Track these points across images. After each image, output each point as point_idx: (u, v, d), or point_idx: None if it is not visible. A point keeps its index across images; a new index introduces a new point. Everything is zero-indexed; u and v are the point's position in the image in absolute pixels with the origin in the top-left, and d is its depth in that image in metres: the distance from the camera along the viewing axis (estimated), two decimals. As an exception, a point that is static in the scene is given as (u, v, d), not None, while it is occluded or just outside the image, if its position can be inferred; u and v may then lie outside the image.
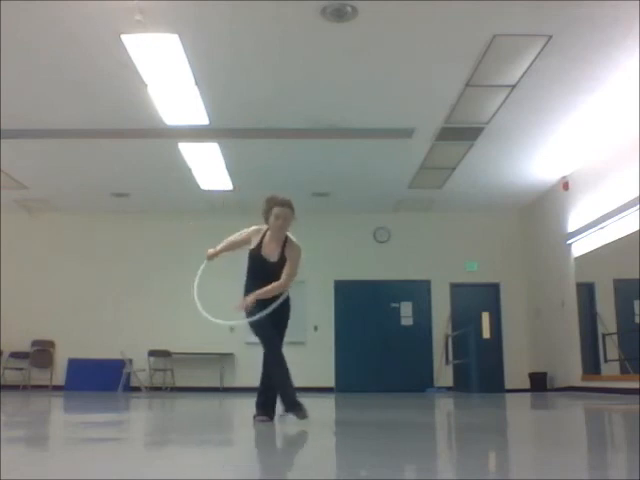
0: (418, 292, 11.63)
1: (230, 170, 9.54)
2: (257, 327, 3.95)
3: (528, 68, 6.43)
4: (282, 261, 3.98)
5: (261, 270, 3.99)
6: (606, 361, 8.81)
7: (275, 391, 3.95)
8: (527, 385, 10.72)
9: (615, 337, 8.71)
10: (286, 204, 3.98)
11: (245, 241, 4.13)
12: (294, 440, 3.31)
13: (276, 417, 4.02)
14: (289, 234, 4.07)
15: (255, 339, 4.01)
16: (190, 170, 9.46)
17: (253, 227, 4.13)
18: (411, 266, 11.62)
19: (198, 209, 11.38)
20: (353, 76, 6.73)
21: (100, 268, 11.61)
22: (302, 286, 9.93)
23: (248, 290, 3.98)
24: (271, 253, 3.99)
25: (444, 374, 11.30)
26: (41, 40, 5.96)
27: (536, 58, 6.22)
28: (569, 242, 9.67)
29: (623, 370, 8.45)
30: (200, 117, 7.58)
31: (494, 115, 7.59)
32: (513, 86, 6.85)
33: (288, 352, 3.95)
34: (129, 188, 10.57)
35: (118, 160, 9.26)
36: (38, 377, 11.22)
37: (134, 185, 10.41)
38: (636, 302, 8.20)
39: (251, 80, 6.84)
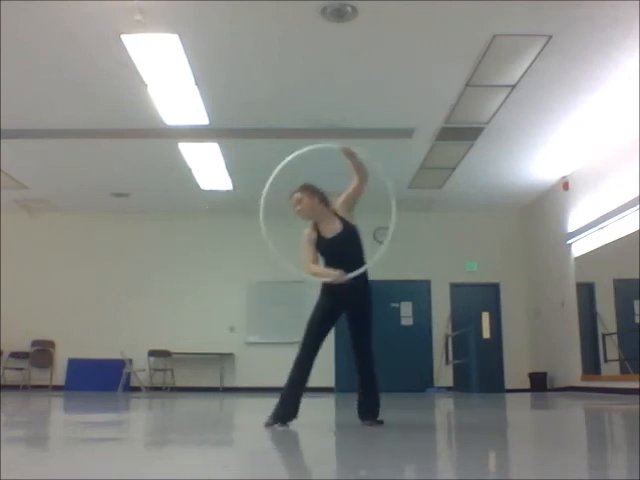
0: (418, 292, 11.63)
1: (230, 170, 9.54)
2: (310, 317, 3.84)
3: (528, 68, 6.43)
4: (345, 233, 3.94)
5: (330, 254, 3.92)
6: (606, 361, 8.80)
7: (372, 396, 3.82)
8: (527, 385, 10.72)
9: (615, 337, 8.71)
10: (295, 190, 3.95)
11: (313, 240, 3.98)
12: (294, 440, 3.31)
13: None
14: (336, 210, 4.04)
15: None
16: (190, 170, 9.46)
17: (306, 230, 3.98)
18: (411, 266, 11.61)
19: (198, 209, 11.38)
20: (353, 76, 6.73)
21: (100, 268, 11.61)
22: (301, 286, 9.92)
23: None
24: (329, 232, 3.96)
25: (444, 374, 11.30)
26: (41, 40, 5.96)
27: (536, 58, 6.22)
28: (569, 242, 9.67)
29: (623, 370, 8.44)
30: (200, 117, 7.58)
31: (494, 115, 7.59)
32: (513, 86, 6.85)
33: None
34: (129, 188, 10.57)
35: (118, 160, 9.26)
36: (38, 377, 11.22)
37: (134, 185, 10.41)
38: (636, 302, 8.20)
39: (251, 80, 6.84)
